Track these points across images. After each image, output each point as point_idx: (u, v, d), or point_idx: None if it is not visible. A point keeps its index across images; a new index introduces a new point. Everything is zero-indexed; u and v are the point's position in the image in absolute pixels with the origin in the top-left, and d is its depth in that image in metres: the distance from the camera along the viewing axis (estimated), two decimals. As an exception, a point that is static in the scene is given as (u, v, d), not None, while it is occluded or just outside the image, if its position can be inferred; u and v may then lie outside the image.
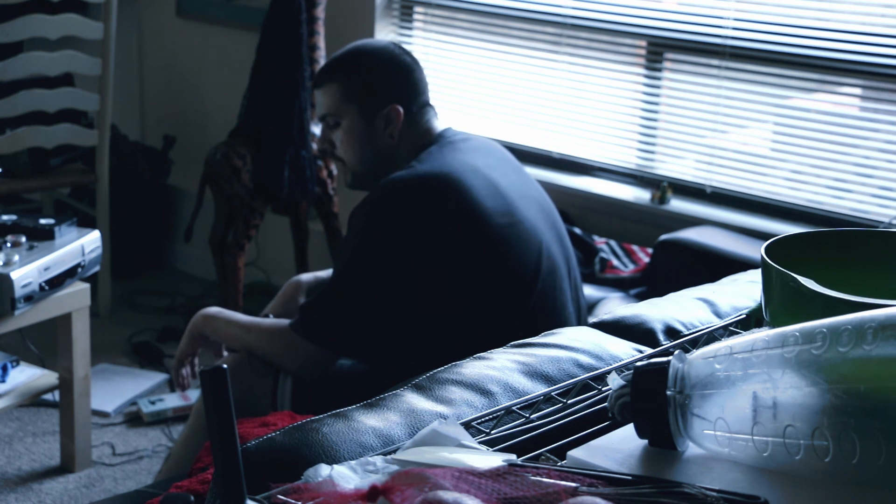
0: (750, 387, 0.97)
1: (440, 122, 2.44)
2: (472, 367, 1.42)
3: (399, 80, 2.39)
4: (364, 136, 2.39)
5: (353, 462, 0.98)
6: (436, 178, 2.24)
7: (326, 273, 2.67)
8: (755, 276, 1.85)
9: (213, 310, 2.47)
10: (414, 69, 2.42)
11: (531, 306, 2.29)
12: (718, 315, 1.65)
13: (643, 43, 3.50)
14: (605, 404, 1.11)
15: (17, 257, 2.73)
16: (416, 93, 2.40)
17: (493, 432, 1.20)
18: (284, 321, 2.33)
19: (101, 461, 3.19)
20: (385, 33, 4.02)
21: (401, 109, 2.37)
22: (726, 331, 1.41)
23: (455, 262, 2.24)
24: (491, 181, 2.29)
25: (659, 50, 3.46)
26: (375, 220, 2.23)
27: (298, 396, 2.30)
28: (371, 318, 2.24)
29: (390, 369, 2.16)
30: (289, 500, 0.92)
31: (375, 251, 2.22)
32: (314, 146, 3.72)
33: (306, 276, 2.66)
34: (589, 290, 3.03)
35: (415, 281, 2.23)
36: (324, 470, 0.97)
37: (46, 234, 2.87)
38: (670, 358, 1.05)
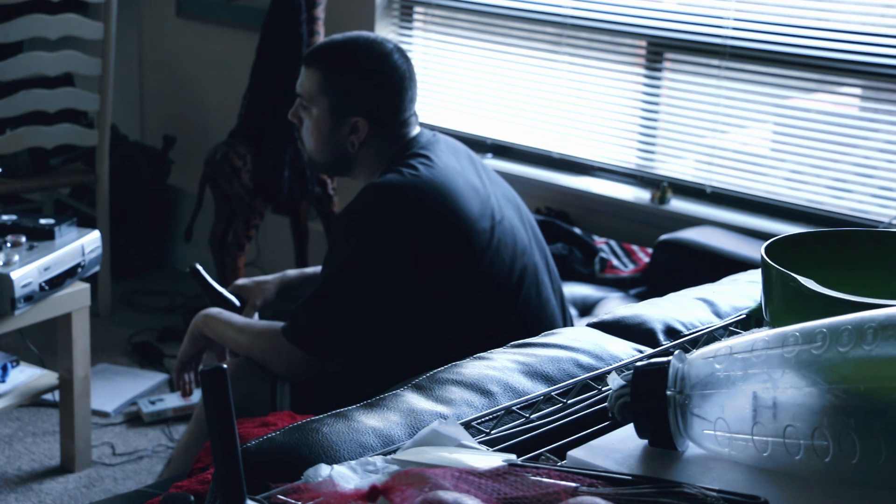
0: (750, 387, 0.97)
1: (416, 127, 2.39)
2: (472, 367, 1.42)
3: (382, 96, 2.32)
4: (328, 131, 2.35)
5: (353, 462, 0.98)
6: (423, 186, 2.22)
7: (313, 270, 2.67)
8: (755, 276, 1.85)
9: (214, 310, 2.45)
10: (404, 85, 2.34)
11: (518, 307, 2.29)
12: (718, 315, 1.65)
13: (643, 43, 3.50)
14: (605, 404, 1.11)
15: (17, 257, 2.73)
16: (398, 111, 2.33)
17: (493, 432, 1.20)
18: (277, 323, 2.33)
19: (101, 461, 3.19)
20: (385, 33, 4.02)
21: (367, 125, 2.31)
22: (726, 331, 1.41)
23: (442, 269, 2.24)
24: (470, 183, 2.29)
25: (659, 50, 3.46)
26: (362, 227, 2.21)
27: (298, 398, 2.30)
28: (358, 325, 2.23)
29: (379, 374, 2.16)
30: (289, 500, 0.92)
31: (362, 258, 2.21)
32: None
33: (293, 273, 2.66)
34: (589, 290, 3.03)
35: (402, 288, 2.22)
36: (324, 470, 0.97)
37: (46, 234, 2.87)
38: (670, 358, 1.05)
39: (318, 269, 2.68)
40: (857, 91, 3.24)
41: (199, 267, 2.56)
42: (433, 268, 2.23)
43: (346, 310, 2.22)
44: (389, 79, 2.33)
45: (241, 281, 2.63)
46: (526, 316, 2.29)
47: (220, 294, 2.56)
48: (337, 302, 2.22)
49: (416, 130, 2.37)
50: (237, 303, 2.58)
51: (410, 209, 2.21)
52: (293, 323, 2.26)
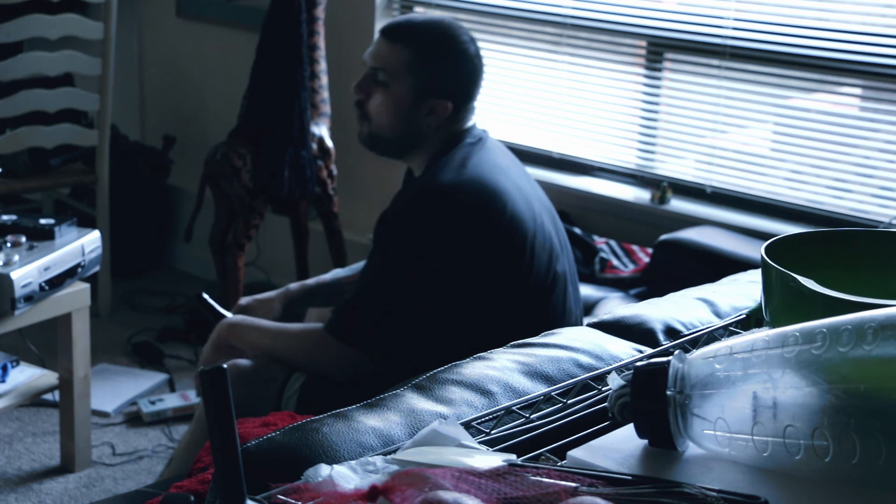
0: (750, 387, 0.97)
1: (472, 119, 2.43)
2: (472, 367, 1.42)
3: (465, 83, 2.35)
4: (405, 111, 2.33)
5: (353, 462, 0.98)
6: (473, 184, 2.23)
7: (315, 281, 2.66)
8: (755, 276, 1.85)
9: (238, 318, 2.43)
10: (480, 77, 2.38)
11: (547, 311, 2.30)
12: (718, 315, 1.65)
13: (643, 43, 3.50)
14: (605, 404, 1.11)
15: (17, 257, 2.73)
16: (471, 98, 2.37)
17: (493, 432, 1.20)
18: (316, 325, 2.32)
19: (101, 461, 3.19)
20: (385, 33, 4.02)
21: (450, 107, 2.33)
22: (726, 331, 1.41)
23: (486, 268, 2.25)
24: (515, 184, 2.31)
25: (659, 50, 3.46)
26: (412, 223, 2.22)
27: (304, 401, 2.29)
28: (404, 320, 2.23)
29: (410, 371, 2.16)
30: (289, 500, 0.92)
31: (410, 254, 2.21)
32: (314, 146, 3.72)
33: (295, 286, 2.65)
34: (589, 290, 3.03)
35: (447, 285, 2.23)
36: (324, 470, 0.97)
37: (46, 234, 2.86)
38: (670, 358, 1.05)
39: (319, 278, 2.68)
40: (857, 91, 3.24)
41: (206, 296, 2.57)
42: (478, 267, 2.24)
43: (391, 304, 2.23)
44: (471, 65, 2.36)
45: (243, 301, 2.62)
46: (553, 321, 2.29)
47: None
48: (382, 296, 2.23)
49: (471, 122, 2.40)
50: None
51: (460, 208, 2.22)
52: (341, 320, 2.25)
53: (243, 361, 2.37)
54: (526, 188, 2.34)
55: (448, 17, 2.44)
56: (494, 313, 2.25)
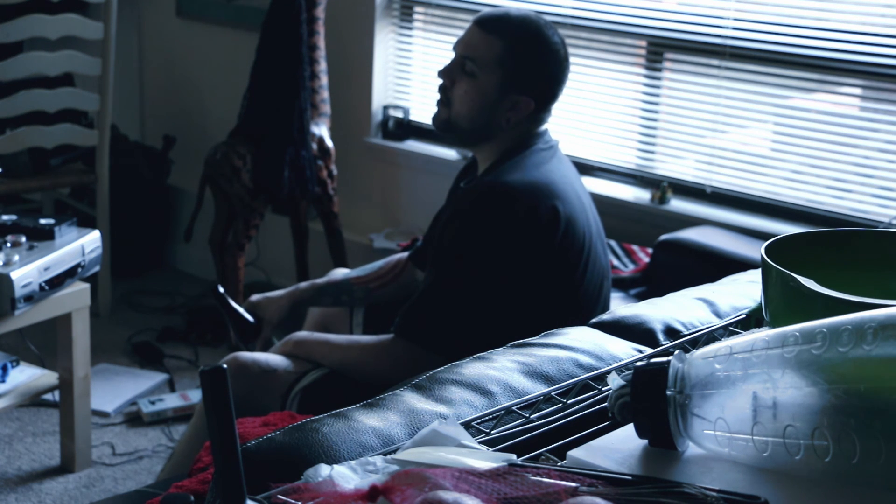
0: (750, 387, 0.97)
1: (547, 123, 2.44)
2: (472, 367, 1.42)
3: (550, 84, 2.35)
4: (488, 103, 2.33)
5: (353, 462, 0.98)
6: (543, 191, 2.24)
7: (325, 280, 2.66)
8: (755, 276, 1.85)
9: (303, 334, 2.41)
10: (565, 80, 2.38)
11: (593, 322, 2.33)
12: (718, 315, 1.65)
13: (643, 43, 3.50)
14: (605, 404, 1.11)
15: (17, 257, 2.73)
16: (553, 99, 2.38)
17: (493, 432, 1.20)
18: (384, 336, 2.31)
19: (101, 461, 3.19)
20: (385, 33, 4.02)
21: (532, 105, 2.33)
22: (726, 331, 1.42)
23: (544, 274, 2.25)
24: (578, 196, 2.32)
25: (659, 50, 3.46)
26: (478, 221, 2.23)
27: (307, 400, 2.28)
28: (474, 319, 2.24)
29: None
30: (289, 500, 0.92)
31: (476, 252, 2.22)
32: (314, 146, 3.72)
33: (304, 285, 2.65)
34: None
35: (508, 288, 2.23)
36: (324, 470, 0.97)
37: (46, 234, 2.86)
38: (670, 358, 1.05)
39: (329, 277, 2.67)
40: (857, 91, 3.24)
41: (221, 289, 2.58)
42: (539, 273, 2.25)
43: (464, 304, 2.23)
44: (559, 67, 2.35)
45: (254, 298, 2.63)
46: None
47: (239, 314, 2.58)
48: (456, 296, 2.23)
49: (546, 125, 2.40)
50: (252, 320, 2.59)
51: (521, 210, 2.22)
52: (412, 322, 2.25)
53: (250, 355, 2.36)
54: (586, 205, 2.36)
55: (542, 15, 2.42)
56: (540, 321, 2.26)
